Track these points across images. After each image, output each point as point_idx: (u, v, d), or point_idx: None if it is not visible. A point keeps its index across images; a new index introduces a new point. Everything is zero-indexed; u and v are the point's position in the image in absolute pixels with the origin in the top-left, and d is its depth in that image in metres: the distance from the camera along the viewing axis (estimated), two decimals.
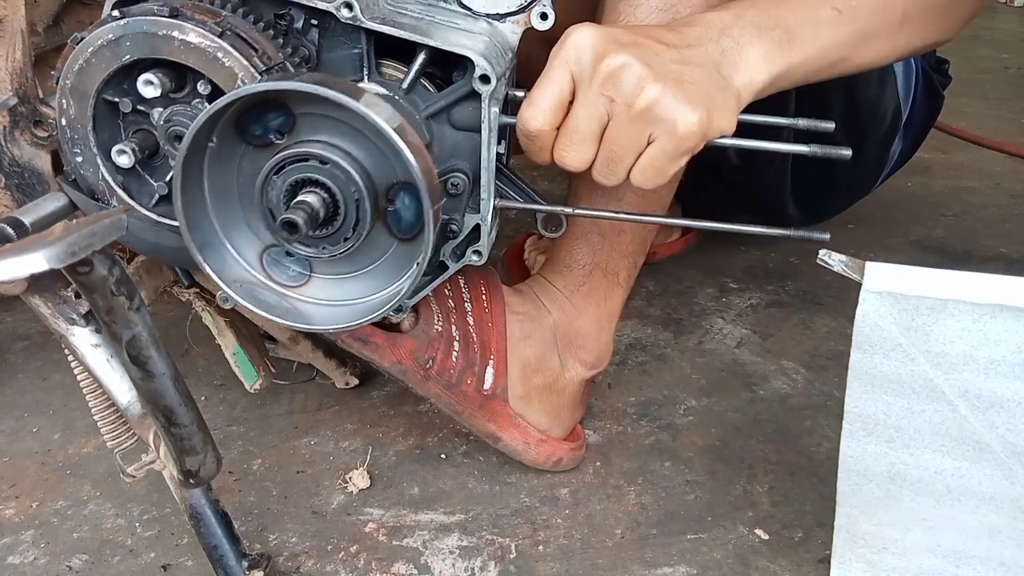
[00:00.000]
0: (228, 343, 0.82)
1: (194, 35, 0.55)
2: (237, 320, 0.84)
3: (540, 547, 0.74)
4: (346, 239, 0.57)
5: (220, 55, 0.55)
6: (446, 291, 0.77)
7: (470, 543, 0.74)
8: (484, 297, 0.78)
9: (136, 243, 0.64)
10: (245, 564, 0.67)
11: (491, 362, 0.77)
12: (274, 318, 0.60)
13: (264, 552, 0.71)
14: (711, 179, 1.01)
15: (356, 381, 0.94)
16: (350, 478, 0.81)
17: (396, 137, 0.52)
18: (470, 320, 0.77)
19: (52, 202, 0.60)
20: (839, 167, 1.03)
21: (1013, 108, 1.96)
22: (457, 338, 0.75)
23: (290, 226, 0.53)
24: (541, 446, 0.79)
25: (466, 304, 0.77)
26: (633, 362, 1.01)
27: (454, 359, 0.75)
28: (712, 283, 1.19)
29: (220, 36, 0.55)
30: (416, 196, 0.56)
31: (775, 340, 1.05)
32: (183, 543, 0.74)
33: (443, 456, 0.85)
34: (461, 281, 0.79)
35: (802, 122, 0.63)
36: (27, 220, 0.54)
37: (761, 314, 1.11)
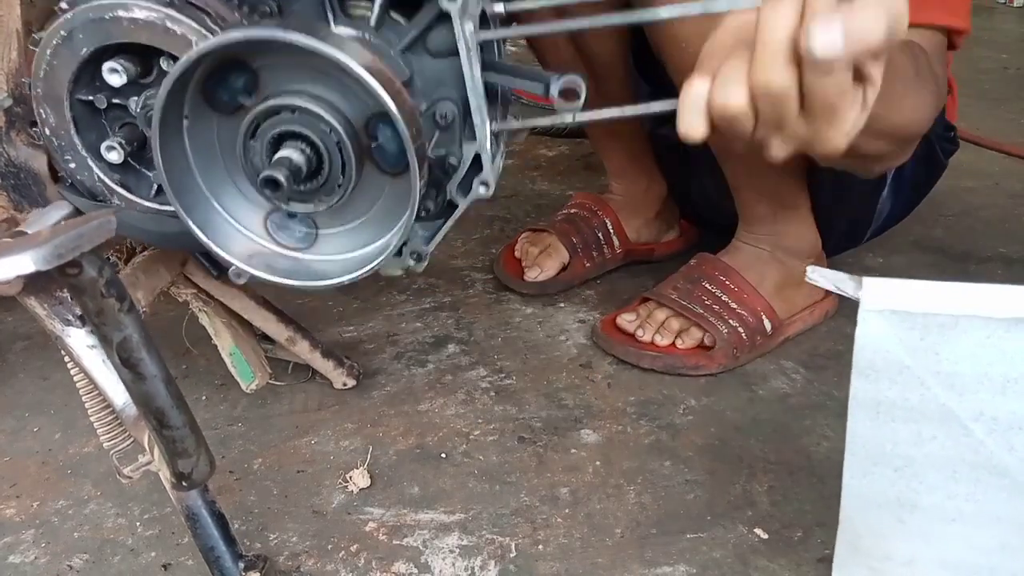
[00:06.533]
0: (224, 344, 0.82)
1: (139, 10, 0.54)
2: (234, 320, 0.84)
3: (540, 546, 0.74)
4: (339, 185, 0.55)
5: (170, 24, 0.54)
6: (715, 307, 0.98)
7: (470, 542, 0.74)
8: (726, 281, 1.00)
9: (143, 235, 0.64)
10: (241, 565, 0.67)
11: (761, 315, 0.98)
12: (292, 283, 0.59)
13: (261, 553, 0.71)
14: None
15: (353, 382, 0.94)
16: (350, 477, 0.81)
17: (341, 56, 0.49)
18: (733, 306, 0.98)
19: (56, 211, 0.59)
20: (824, 209, 1.01)
21: (1013, 108, 1.96)
22: (738, 326, 0.97)
23: (272, 183, 0.52)
24: (814, 311, 1.03)
25: (724, 299, 0.99)
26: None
27: (745, 338, 0.97)
28: None
29: (167, 5, 0.53)
30: (394, 124, 0.53)
31: None
32: (184, 542, 0.74)
33: (443, 456, 0.85)
34: (708, 285, 1.00)
35: None
36: (31, 232, 0.54)
37: None
